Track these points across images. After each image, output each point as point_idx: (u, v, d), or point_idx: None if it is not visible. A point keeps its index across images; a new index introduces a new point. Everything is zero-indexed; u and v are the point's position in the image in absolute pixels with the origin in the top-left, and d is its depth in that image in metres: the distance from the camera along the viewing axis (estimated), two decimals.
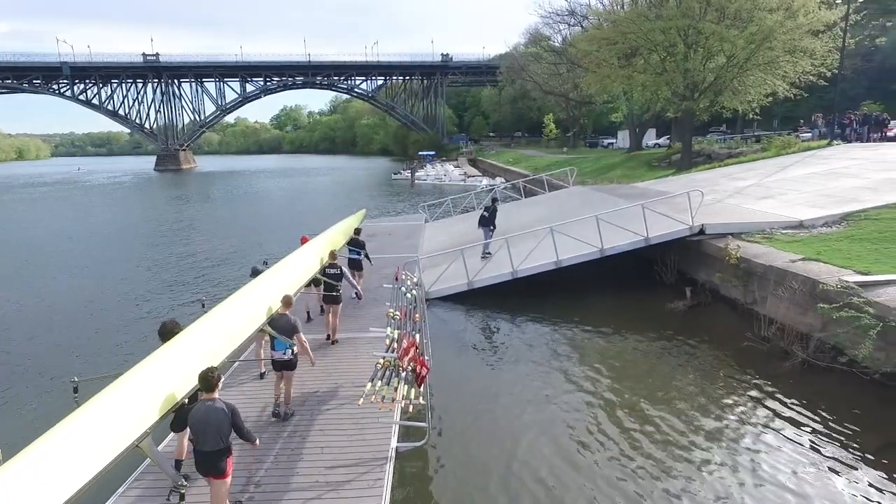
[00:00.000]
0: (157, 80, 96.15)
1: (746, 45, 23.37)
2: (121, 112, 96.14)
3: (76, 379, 4.80)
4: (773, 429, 7.26)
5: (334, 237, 11.29)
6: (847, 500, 5.87)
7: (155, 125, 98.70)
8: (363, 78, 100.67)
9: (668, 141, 41.61)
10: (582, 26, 47.90)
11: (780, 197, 15.35)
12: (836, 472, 6.29)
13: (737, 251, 11.29)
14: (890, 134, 25.85)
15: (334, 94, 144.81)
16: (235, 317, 6.31)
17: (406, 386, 6.23)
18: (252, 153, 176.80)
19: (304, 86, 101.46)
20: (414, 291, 9.16)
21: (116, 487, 5.58)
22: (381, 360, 6.70)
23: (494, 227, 15.17)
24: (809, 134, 29.40)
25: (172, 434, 6.02)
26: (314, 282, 9.41)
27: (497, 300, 12.70)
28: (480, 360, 10.07)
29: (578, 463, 6.67)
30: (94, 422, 3.98)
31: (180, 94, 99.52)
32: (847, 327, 8.10)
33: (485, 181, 45.47)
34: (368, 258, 12.19)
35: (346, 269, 9.88)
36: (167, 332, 5.67)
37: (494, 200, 16.00)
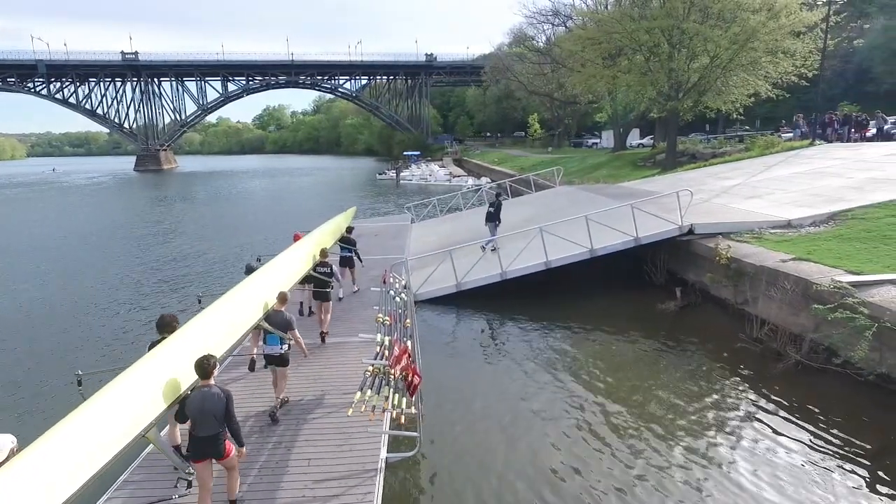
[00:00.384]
0: (136, 79, 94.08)
1: (730, 45, 23.54)
2: (99, 111, 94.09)
3: (80, 373, 4.87)
4: (767, 430, 7.16)
5: (325, 235, 11.33)
6: (841, 501, 5.79)
7: (134, 125, 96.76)
8: (347, 77, 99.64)
9: (652, 141, 41.82)
10: (566, 26, 48.04)
11: (768, 196, 15.38)
12: (831, 474, 6.21)
13: (727, 251, 11.22)
14: (868, 134, 26.23)
15: (318, 93, 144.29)
16: (234, 312, 6.36)
17: (396, 395, 5.99)
18: (234, 153, 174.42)
19: (287, 85, 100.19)
20: (403, 295, 8.92)
21: (118, 475, 5.76)
22: (371, 368, 6.45)
23: (500, 222, 15.54)
24: (791, 134, 29.70)
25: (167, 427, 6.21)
26: (305, 279, 9.52)
27: (486, 302, 12.52)
28: (471, 365, 9.85)
29: (574, 472, 6.48)
30: (102, 413, 4.13)
31: (160, 93, 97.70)
32: (842, 328, 8.04)
33: (470, 181, 45.31)
34: (359, 257, 12.43)
35: (336, 268, 9.96)
36: (165, 324, 5.84)
37: (498, 196, 16.77)
